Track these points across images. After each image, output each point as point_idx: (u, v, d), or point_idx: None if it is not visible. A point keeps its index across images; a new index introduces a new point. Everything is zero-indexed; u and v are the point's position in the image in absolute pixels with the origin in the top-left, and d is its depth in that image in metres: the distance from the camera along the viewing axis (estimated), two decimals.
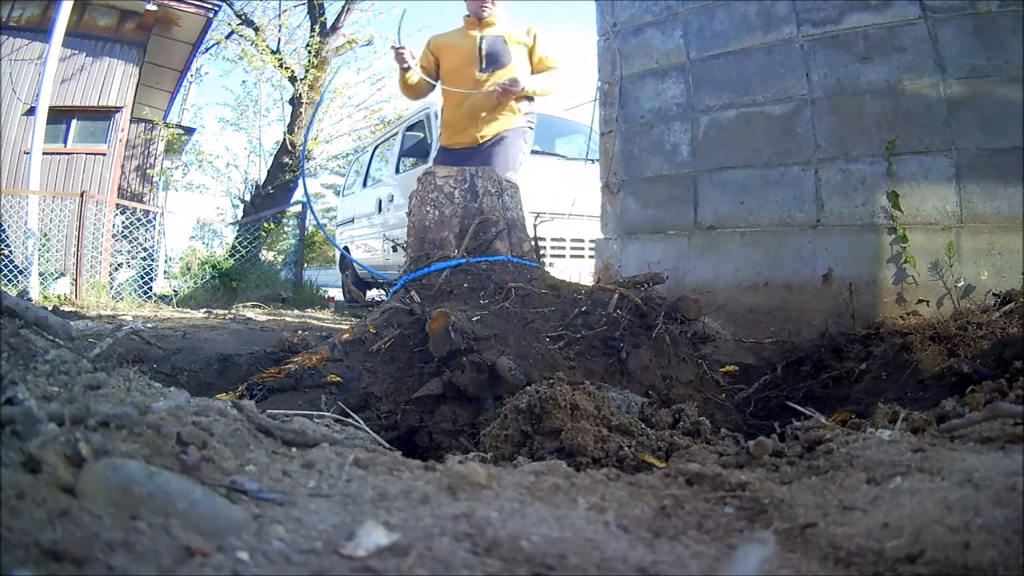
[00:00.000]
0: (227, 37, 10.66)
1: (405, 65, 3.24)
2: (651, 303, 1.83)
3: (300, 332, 2.35)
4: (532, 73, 3.31)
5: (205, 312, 4.67)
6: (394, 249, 4.50)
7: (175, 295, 6.64)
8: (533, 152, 5.62)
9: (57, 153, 8.30)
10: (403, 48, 3.21)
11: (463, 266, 2.09)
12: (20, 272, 6.40)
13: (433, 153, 4.15)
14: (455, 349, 1.59)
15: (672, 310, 1.81)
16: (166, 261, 8.97)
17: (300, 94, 9.60)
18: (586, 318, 1.80)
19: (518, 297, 1.89)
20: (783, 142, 2.48)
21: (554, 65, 3.35)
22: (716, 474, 0.82)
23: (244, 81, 15.99)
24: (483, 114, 3.26)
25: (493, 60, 3.21)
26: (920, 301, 2.16)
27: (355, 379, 1.69)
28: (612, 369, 1.69)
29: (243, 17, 10.16)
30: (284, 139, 9.79)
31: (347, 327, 2.11)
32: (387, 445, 1.12)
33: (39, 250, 6.56)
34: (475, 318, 1.72)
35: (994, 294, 1.99)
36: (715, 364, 1.91)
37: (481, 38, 3.21)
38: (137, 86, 8.97)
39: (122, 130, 8.74)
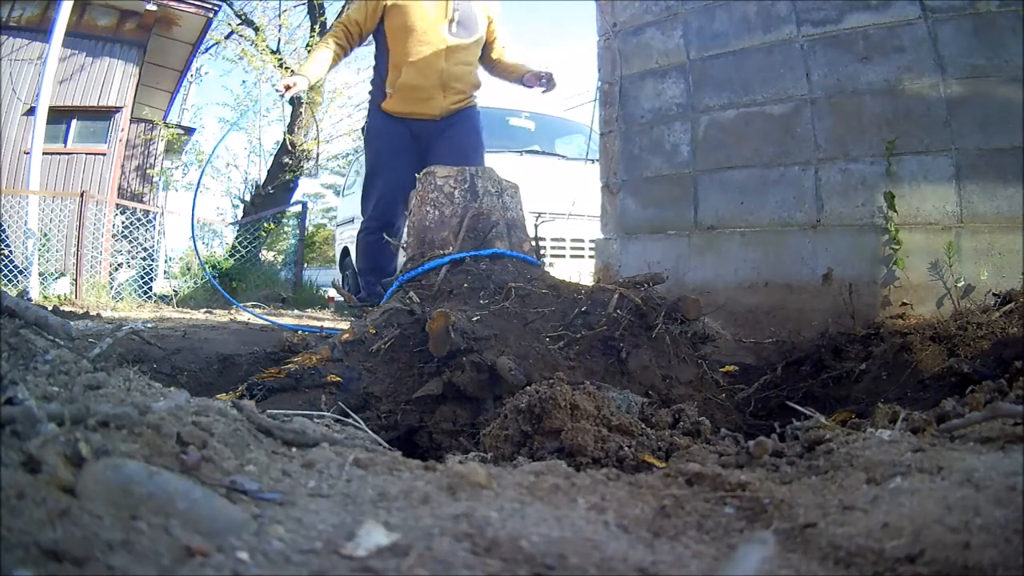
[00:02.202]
0: (227, 37, 10.67)
1: (301, 91, 3.01)
2: (651, 303, 1.83)
3: (300, 332, 2.35)
4: (486, 46, 3.18)
5: (205, 312, 4.67)
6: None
7: (175, 295, 6.64)
8: (533, 152, 5.65)
9: (57, 153, 8.30)
10: (284, 90, 2.98)
11: (463, 266, 2.09)
12: (20, 272, 6.41)
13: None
14: (455, 349, 1.59)
15: (672, 310, 1.81)
16: (166, 261, 8.97)
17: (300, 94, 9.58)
18: (586, 318, 1.80)
19: (518, 297, 1.89)
20: (783, 142, 2.48)
21: (507, 49, 3.22)
22: (716, 474, 0.82)
23: (244, 81, 16.01)
24: (455, 84, 3.02)
25: (464, 25, 3.00)
26: (904, 304, 2.16)
27: (355, 379, 1.69)
28: (612, 369, 1.69)
29: (243, 17, 10.17)
30: (284, 139, 9.80)
31: (347, 327, 2.11)
32: (387, 445, 1.13)
33: (39, 250, 6.56)
34: (475, 318, 1.71)
35: (994, 294, 1.99)
36: (715, 364, 1.91)
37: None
38: (137, 86, 8.97)
39: (122, 130, 8.75)
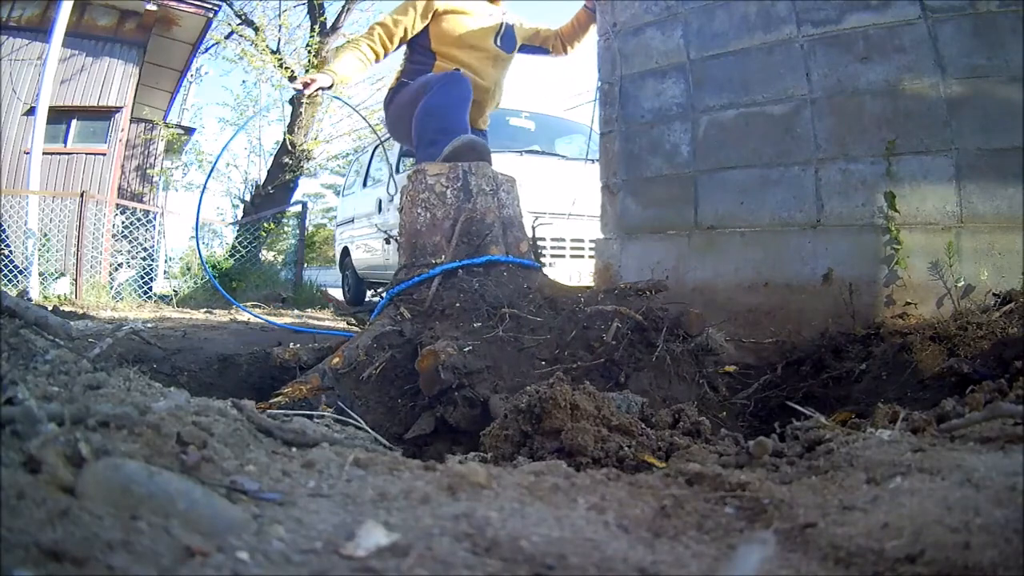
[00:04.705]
0: (227, 37, 10.66)
1: (322, 88, 2.69)
2: (652, 316, 1.77)
3: (293, 346, 2.27)
4: (547, 37, 3.33)
5: (205, 312, 4.67)
6: (387, 241, 4.38)
7: (175, 295, 6.64)
8: (533, 152, 5.65)
9: (57, 153, 8.29)
10: (303, 87, 2.67)
11: (455, 280, 2.01)
12: (20, 272, 6.40)
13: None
14: (446, 387, 1.57)
15: (674, 325, 1.75)
16: (166, 261, 8.97)
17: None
18: (585, 334, 1.74)
19: (512, 320, 1.83)
20: (783, 142, 2.48)
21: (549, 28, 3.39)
22: (716, 474, 0.82)
23: (244, 81, 16.01)
24: (496, 98, 3.17)
25: (507, 41, 3.13)
26: (908, 304, 2.16)
27: (347, 408, 1.66)
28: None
29: (243, 17, 10.15)
30: (284, 139, 9.78)
31: (339, 351, 2.03)
32: (387, 444, 1.13)
33: (39, 250, 6.55)
34: (467, 348, 1.67)
35: (994, 294, 1.99)
36: (716, 375, 1.87)
37: (503, 14, 3.14)
38: (137, 86, 8.96)
39: (122, 130, 8.74)
